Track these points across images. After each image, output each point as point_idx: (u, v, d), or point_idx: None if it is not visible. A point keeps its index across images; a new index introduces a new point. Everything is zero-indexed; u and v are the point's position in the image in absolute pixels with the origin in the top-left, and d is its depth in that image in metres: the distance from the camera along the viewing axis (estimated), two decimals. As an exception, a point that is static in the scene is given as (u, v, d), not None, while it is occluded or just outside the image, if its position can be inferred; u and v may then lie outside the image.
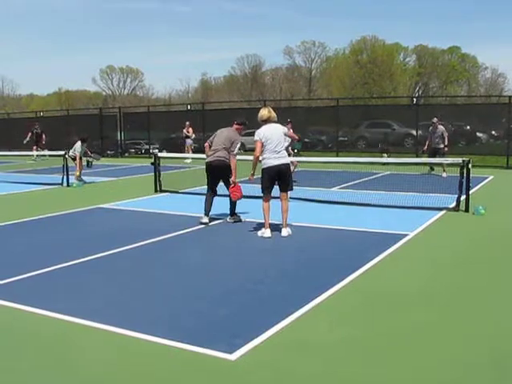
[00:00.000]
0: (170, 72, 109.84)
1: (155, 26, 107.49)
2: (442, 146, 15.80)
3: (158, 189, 12.88)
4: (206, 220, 8.74)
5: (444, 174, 15.08)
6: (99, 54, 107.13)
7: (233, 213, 8.98)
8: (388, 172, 16.08)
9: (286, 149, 13.98)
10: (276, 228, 8.03)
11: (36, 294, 5.48)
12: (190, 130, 22.57)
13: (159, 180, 12.93)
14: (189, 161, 21.02)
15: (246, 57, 72.96)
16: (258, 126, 8.04)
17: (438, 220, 9.06)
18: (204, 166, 8.99)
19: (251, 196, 10.30)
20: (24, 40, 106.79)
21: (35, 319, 4.78)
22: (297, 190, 11.70)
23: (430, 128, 16.34)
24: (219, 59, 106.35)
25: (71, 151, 15.53)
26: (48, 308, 4.97)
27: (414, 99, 25.25)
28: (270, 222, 7.95)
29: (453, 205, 9.91)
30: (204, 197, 9.00)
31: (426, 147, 16.36)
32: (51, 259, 6.67)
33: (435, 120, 16.15)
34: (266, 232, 7.88)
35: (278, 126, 8.01)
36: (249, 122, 9.47)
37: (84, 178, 15.45)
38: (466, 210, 9.60)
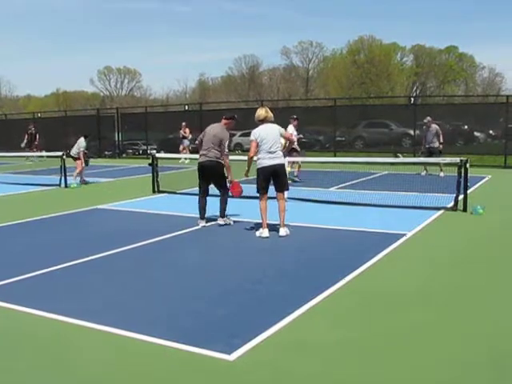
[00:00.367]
0: (168, 72, 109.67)
1: (153, 27, 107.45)
2: (437, 144, 15.88)
3: (156, 189, 12.88)
4: (203, 223, 8.69)
5: (441, 174, 15.12)
6: (97, 54, 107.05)
7: (223, 214, 8.79)
8: (386, 172, 16.09)
9: (293, 148, 14.16)
10: (274, 228, 8.03)
11: (34, 294, 5.47)
12: (187, 130, 22.56)
13: (157, 181, 12.93)
14: (187, 161, 21.01)
15: (243, 57, 72.96)
16: (256, 126, 8.04)
17: (436, 220, 9.07)
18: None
19: (248, 196, 10.29)
20: (21, 41, 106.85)
21: (33, 320, 4.78)
22: (295, 190, 11.73)
23: (424, 127, 16.44)
24: (217, 60, 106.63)
25: (74, 149, 15.45)
26: (45, 309, 4.96)
27: (412, 99, 25.29)
28: (268, 222, 7.94)
29: (451, 204, 9.92)
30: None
31: (423, 147, 16.44)
32: (49, 260, 6.66)
33: (428, 119, 16.23)
34: (263, 232, 7.87)
35: (275, 126, 8.00)
36: (246, 122, 9.43)
37: (78, 178, 15.41)
38: (464, 210, 9.61)
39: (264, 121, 7.99)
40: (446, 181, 11.43)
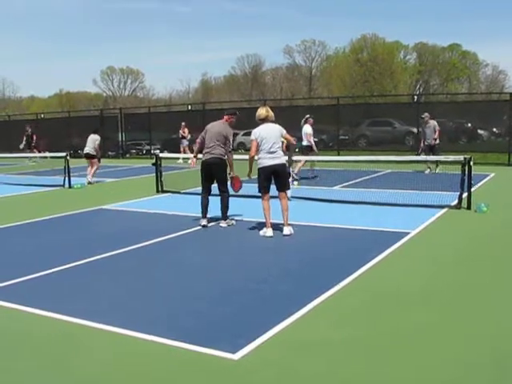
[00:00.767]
0: (171, 72, 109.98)
1: (155, 27, 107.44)
2: (436, 140, 15.90)
3: (160, 189, 12.89)
4: (204, 222, 8.65)
5: (427, 171, 15.38)
6: (100, 55, 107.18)
7: (225, 217, 8.75)
8: (389, 170, 16.08)
9: (309, 147, 14.34)
10: (277, 227, 8.02)
11: (38, 295, 5.49)
12: (186, 130, 22.60)
13: (161, 180, 12.95)
14: (189, 161, 21.02)
15: (246, 56, 73.00)
16: (258, 126, 8.02)
17: (439, 218, 9.05)
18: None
19: (250, 195, 10.31)
20: (24, 42, 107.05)
21: (36, 320, 4.78)
22: (299, 190, 11.74)
23: (422, 124, 16.47)
24: (219, 59, 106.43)
25: (90, 147, 15.49)
26: (49, 309, 4.97)
27: (415, 97, 25.26)
28: (272, 221, 7.95)
29: (455, 202, 9.90)
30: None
31: (422, 144, 16.47)
32: (53, 261, 6.67)
33: (426, 115, 16.23)
34: (267, 231, 7.88)
35: (276, 126, 7.96)
36: (249, 121, 9.41)
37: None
38: (468, 208, 9.59)
39: (265, 120, 7.96)
40: (450, 179, 11.40)
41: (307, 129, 14.85)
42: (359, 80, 59.07)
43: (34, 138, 25.52)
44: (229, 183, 8.78)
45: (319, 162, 15.55)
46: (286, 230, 7.88)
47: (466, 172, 9.72)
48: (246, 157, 8.39)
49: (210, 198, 8.80)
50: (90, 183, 15.37)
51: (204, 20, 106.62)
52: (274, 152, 7.80)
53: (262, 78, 72.70)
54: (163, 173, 13.14)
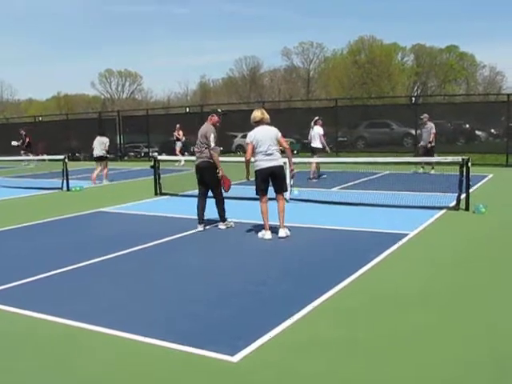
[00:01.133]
0: (169, 75, 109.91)
1: (152, 29, 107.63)
2: (432, 143, 16.02)
3: (158, 192, 12.89)
4: (200, 228, 8.60)
5: (420, 170, 15.67)
6: (98, 57, 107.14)
7: (223, 219, 8.74)
8: (387, 172, 16.09)
9: (320, 148, 14.67)
10: (276, 230, 8.02)
11: (37, 298, 5.48)
12: (181, 132, 22.67)
13: (159, 183, 12.94)
14: (182, 163, 21.10)
15: (244, 59, 73.01)
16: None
17: (438, 219, 9.06)
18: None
19: (248, 198, 10.32)
20: (22, 45, 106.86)
21: (36, 323, 4.78)
22: (298, 191, 11.73)
23: (420, 125, 16.63)
24: (217, 61, 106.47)
25: (99, 149, 15.91)
26: (48, 312, 4.97)
27: (413, 99, 25.30)
28: (270, 223, 7.95)
29: (453, 203, 9.91)
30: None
31: (419, 145, 16.76)
32: (52, 264, 6.67)
33: (425, 116, 16.37)
34: (266, 234, 7.87)
35: (272, 128, 7.93)
36: (247, 123, 9.41)
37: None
38: (467, 209, 9.60)
39: (260, 122, 7.93)
40: (448, 180, 11.42)
41: (319, 130, 15.16)
42: (357, 82, 59.12)
43: (27, 140, 25.67)
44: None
45: (320, 164, 15.64)
46: (282, 233, 7.85)
47: (464, 173, 9.73)
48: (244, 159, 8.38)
49: (207, 200, 8.76)
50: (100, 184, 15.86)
51: (202, 22, 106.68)
52: (271, 154, 7.77)
53: (260, 80, 72.73)
54: (161, 175, 13.13)
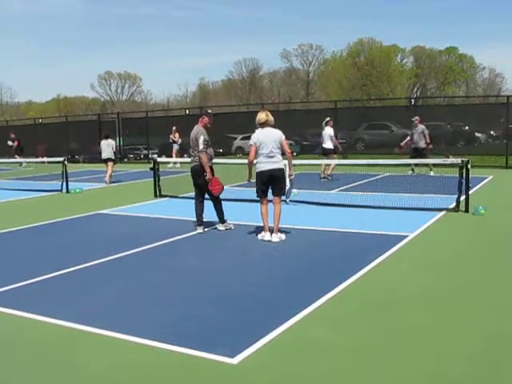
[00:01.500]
0: (168, 77, 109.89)
1: (152, 31, 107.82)
2: (423, 145, 16.12)
3: (158, 194, 12.88)
4: (200, 230, 8.58)
5: (409, 172, 15.94)
6: (97, 59, 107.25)
7: (222, 220, 8.73)
8: (387, 173, 16.09)
9: (333, 149, 14.84)
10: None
11: (36, 300, 5.48)
12: (177, 135, 22.78)
13: (159, 185, 12.94)
14: (178, 165, 21.16)
15: (243, 61, 73.11)
16: (256, 129, 8.01)
17: (438, 221, 9.06)
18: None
19: (249, 199, 10.31)
20: (21, 47, 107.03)
21: (35, 325, 4.78)
22: (297, 193, 11.72)
23: (412, 127, 16.73)
24: (217, 63, 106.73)
25: (108, 151, 16.66)
26: (48, 314, 4.96)
27: (412, 100, 25.32)
28: (270, 225, 7.94)
29: (453, 205, 9.91)
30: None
31: (403, 143, 16.98)
32: (51, 266, 6.66)
33: (416, 118, 16.53)
34: (265, 235, 7.87)
35: (276, 130, 7.92)
36: (247, 125, 9.40)
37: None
38: (466, 211, 9.60)
39: (264, 124, 7.93)
40: (448, 182, 11.43)
41: (330, 131, 15.34)
42: (356, 84, 59.20)
43: (16, 144, 26.05)
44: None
45: (318, 166, 15.67)
46: (275, 238, 7.79)
47: (464, 175, 9.74)
48: (244, 161, 8.39)
49: (206, 203, 8.74)
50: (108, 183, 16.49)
51: (202, 24, 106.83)
52: (273, 156, 7.78)
53: (259, 82, 72.81)
54: (161, 177, 13.13)
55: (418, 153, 16.10)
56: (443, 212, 9.71)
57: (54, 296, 5.63)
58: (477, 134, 24.08)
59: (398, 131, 23.99)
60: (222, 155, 24.67)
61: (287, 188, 9.62)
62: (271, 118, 7.97)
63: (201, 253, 7.48)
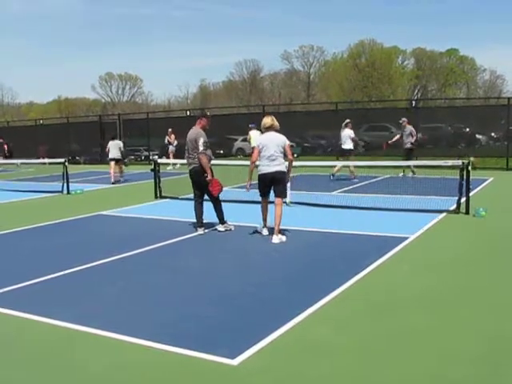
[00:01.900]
0: (169, 78, 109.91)
1: (153, 32, 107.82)
2: (409, 145, 16.22)
3: (159, 195, 12.89)
4: (201, 231, 8.57)
5: (400, 174, 16.05)
6: (98, 61, 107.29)
7: (222, 221, 8.72)
8: (388, 175, 16.10)
9: (351, 150, 15.19)
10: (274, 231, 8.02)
11: (36, 301, 5.48)
12: (173, 136, 22.91)
13: (159, 186, 12.94)
14: (178, 166, 21.16)
15: (244, 62, 73.12)
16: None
17: (438, 222, 9.05)
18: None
19: (247, 201, 10.32)
20: (22, 48, 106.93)
21: (34, 326, 4.78)
22: (298, 195, 11.71)
23: (401, 129, 16.89)
24: (218, 65, 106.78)
25: (116, 152, 17.03)
26: (45, 314, 4.96)
27: (413, 102, 25.30)
28: (270, 226, 7.96)
29: (453, 207, 9.91)
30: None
31: (390, 141, 17.21)
32: (51, 267, 6.65)
33: (403, 120, 16.67)
34: (264, 230, 8.24)
35: (280, 135, 8.07)
36: (247, 127, 9.42)
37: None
38: (467, 212, 9.60)
39: (269, 129, 8.11)
40: (448, 183, 11.43)
41: (350, 132, 15.52)
42: (357, 85, 59.18)
43: (6, 147, 26.28)
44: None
45: (320, 168, 15.74)
46: (276, 239, 7.83)
47: (465, 177, 9.73)
48: (245, 162, 8.43)
49: (206, 204, 8.73)
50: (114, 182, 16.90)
51: (203, 25, 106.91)
52: (274, 159, 7.90)
53: (260, 84, 72.84)
54: (162, 178, 13.14)
55: (406, 154, 16.27)
56: (444, 214, 9.70)
57: (56, 296, 5.63)
58: (477, 136, 24.08)
59: (398, 133, 23.98)
60: (223, 156, 24.70)
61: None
62: (276, 123, 8.14)
63: (202, 254, 7.49)
